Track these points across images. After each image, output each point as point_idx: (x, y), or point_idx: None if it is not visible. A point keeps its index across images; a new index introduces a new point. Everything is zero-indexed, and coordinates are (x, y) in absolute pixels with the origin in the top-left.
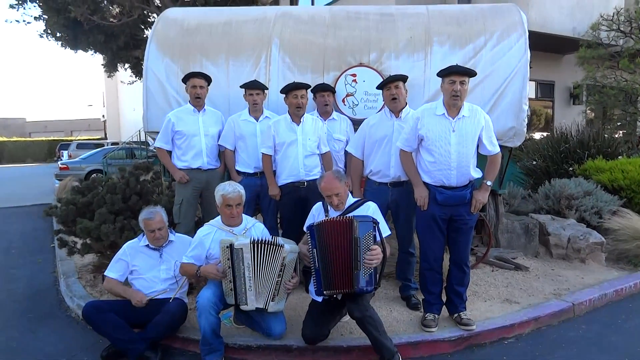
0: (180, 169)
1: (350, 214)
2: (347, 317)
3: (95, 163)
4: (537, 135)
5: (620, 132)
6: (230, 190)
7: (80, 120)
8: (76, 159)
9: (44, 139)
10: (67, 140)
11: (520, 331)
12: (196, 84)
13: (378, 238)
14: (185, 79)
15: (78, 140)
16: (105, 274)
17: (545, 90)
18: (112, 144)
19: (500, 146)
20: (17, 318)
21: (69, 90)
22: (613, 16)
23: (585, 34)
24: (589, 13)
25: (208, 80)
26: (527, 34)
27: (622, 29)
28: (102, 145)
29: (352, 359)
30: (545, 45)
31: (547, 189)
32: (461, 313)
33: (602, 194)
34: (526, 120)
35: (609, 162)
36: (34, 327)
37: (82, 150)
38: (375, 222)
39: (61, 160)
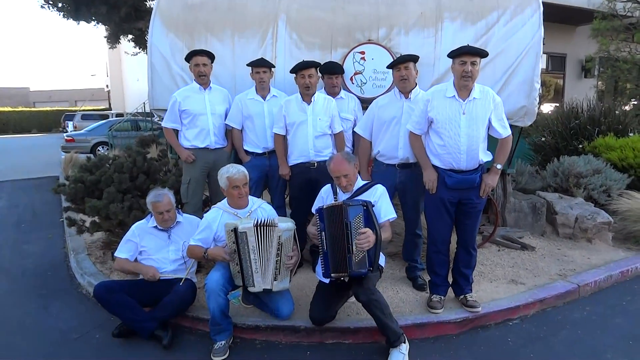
0: (187, 149)
1: (358, 197)
2: (354, 298)
3: (101, 135)
4: (546, 108)
5: (632, 103)
6: (234, 171)
7: (84, 90)
8: (82, 131)
9: (48, 109)
10: (71, 111)
11: (525, 312)
12: (199, 62)
13: (370, 222)
14: (188, 58)
15: (83, 110)
16: (115, 255)
17: (557, 63)
18: (117, 115)
19: (511, 125)
20: (30, 294)
21: (72, 59)
22: None
23: (600, 6)
24: None
25: (211, 57)
26: (542, 8)
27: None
28: (107, 116)
29: (359, 340)
30: (558, 17)
31: (556, 167)
32: (467, 295)
33: (611, 173)
34: (537, 99)
35: (620, 140)
36: (46, 304)
37: (87, 121)
38: (365, 205)
39: (66, 130)
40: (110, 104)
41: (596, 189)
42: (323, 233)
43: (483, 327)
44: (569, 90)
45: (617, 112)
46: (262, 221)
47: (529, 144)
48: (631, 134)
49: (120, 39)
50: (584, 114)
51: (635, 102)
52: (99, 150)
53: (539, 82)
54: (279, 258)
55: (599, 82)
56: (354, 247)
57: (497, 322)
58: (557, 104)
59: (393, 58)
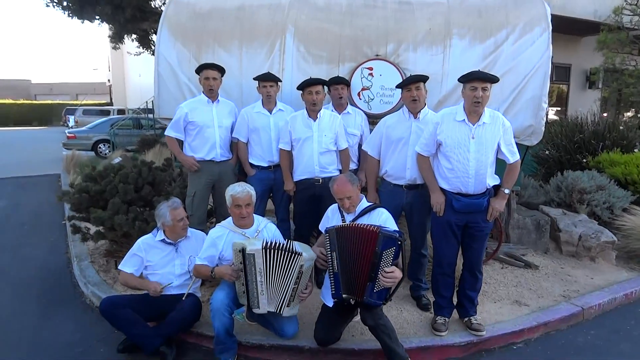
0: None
1: (363, 220)
2: (358, 317)
3: (102, 133)
4: (549, 114)
5: (633, 110)
6: (239, 190)
7: (85, 84)
8: (83, 128)
9: (50, 102)
10: (72, 104)
11: (529, 336)
12: (209, 75)
13: (399, 257)
14: (198, 70)
15: (84, 105)
16: (119, 268)
17: (561, 73)
18: (118, 111)
19: (517, 144)
20: (32, 303)
21: (75, 53)
22: (637, 1)
23: (607, 18)
24: None
25: (221, 71)
26: (551, 27)
27: None
28: (109, 112)
29: None
30: (564, 28)
31: (559, 181)
32: (472, 317)
33: (615, 189)
34: (544, 118)
35: (624, 156)
36: (49, 314)
37: (88, 115)
38: (400, 240)
39: (67, 124)
40: (111, 99)
41: (599, 206)
42: (335, 253)
43: (487, 351)
44: (573, 100)
45: (621, 127)
46: (280, 245)
47: (533, 156)
48: (636, 150)
49: (124, 38)
50: (588, 128)
51: (636, 111)
52: (100, 147)
53: (547, 101)
54: (296, 286)
55: (603, 94)
56: (378, 278)
57: (501, 345)
58: (560, 108)
59: (401, 75)
